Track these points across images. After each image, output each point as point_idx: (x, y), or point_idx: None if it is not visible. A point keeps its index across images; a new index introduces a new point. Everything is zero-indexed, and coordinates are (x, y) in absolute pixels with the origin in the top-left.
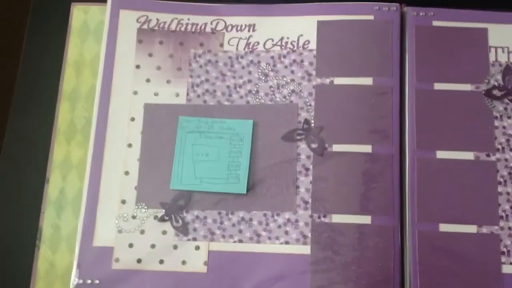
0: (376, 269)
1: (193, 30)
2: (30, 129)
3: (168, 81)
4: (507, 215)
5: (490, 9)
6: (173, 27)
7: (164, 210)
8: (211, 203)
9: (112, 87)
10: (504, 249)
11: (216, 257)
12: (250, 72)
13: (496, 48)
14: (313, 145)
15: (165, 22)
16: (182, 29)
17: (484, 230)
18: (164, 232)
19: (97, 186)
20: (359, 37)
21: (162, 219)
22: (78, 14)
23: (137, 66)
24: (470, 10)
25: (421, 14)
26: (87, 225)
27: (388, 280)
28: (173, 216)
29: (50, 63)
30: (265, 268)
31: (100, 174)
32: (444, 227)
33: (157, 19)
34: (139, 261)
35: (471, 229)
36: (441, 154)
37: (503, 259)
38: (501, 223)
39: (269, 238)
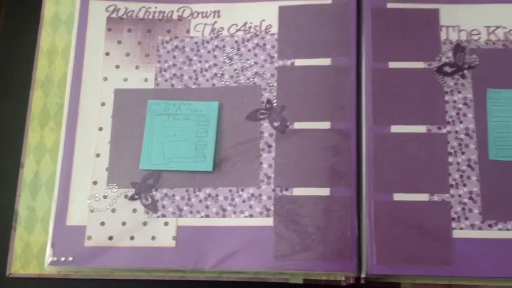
0: (335, 238)
1: (160, 17)
2: (5, 115)
3: (137, 67)
4: (457, 184)
5: None
6: (141, 15)
7: (134, 190)
8: (179, 181)
9: (83, 74)
10: (455, 215)
11: (184, 232)
12: (215, 56)
13: (447, 27)
14: (275, 123)
15: (133, 11)
16: (150, 17)
17: (436, 198)
18: (134, 210)
19: (70, 169)
20: (318, 20)
21: (132, 198)
22: (50, 5)
23: (107, 53)
24: None
25: None
26: (61, 205)
27: (346, 248)
28: (143, 194)
29: (23, 52)
30: (230, 240)
31: (72, 157)
32: (398, 196)
33: (126, 8)
34: (110, 238)
35: (424, 197)
36: (395, 129)
37: (453, 224)
38: (452, 191)
39: (234, 212)
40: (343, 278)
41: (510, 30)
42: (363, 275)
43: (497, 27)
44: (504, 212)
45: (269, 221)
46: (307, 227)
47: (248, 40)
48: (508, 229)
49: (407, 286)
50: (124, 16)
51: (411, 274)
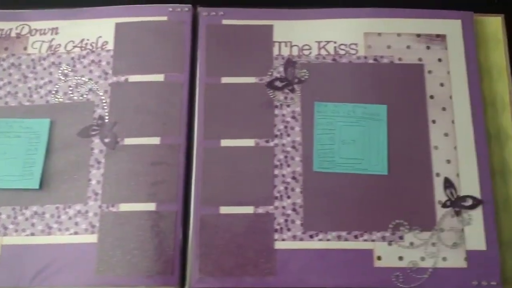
0: (158, 253)
1: None
2: None
3: None
4: (281, 196)
5: (276, 7)
6: None
7: None
8: (6, 199)
9: None
10: (278, 227)
11: (9, 251)
12: (51, 73)
13: (280, 43)
14: (106, 140)
15: None
16: None
17: (260, 210)
18: None
19: None
20: (154, 37)
21: None
22: None
23: None
24: (258, 8)
25: (212, 14)
26: None
27: (168, 262)
28: None
29: None
30: (54, 258)
31: None
32: (224, 210)
33: None
34: None
35: (249, 210)
36: (225, 143)
37: (276, 236)
38: (276, 203)
39: (60, 229)
40: None
41: (340, 45)
42: None
43: (328, 42)
44: (325, 223)
45: (93, 238)
46: (130, 242)
47: (84, 57)
48: (328, 240)
49: None
50: None
51: (234, 287)
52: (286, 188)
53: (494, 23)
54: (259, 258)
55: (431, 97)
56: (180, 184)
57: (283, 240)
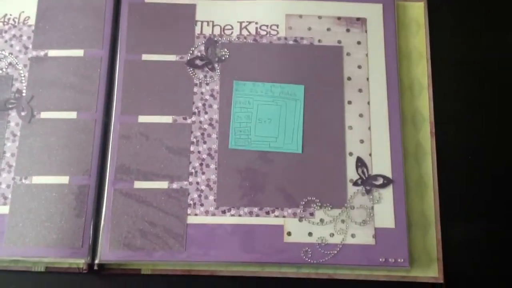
0: (69, 225)
1: None
2: None
3: None
4: (196, 172)
5: None
6: None
7: None
8: None
9: None
10: (191, 202)
11: None
12: None
13: (202, 22)
14: (23, 113)
15: None
16: None
17: (175, 185)
18: None
19: None
20: (75, 13)
21: None
22: None
23: None
24: None
25: None
26: None
27: (78, 235)
28: None
29: None
30: None
31: None
32: (138, 184)
33: None
34: None
35: (163, 185)
36: (142, 119)
37: (189, 211)
38: (191, 179)
39: None
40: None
41: (261, 26)
42: (96, 262)
43: (249, 23)
44: (237, 199)
45: (5, 209)
46: (41, 215)
47: (6, 32)
48: (240, 215)
49: (148, 272)
50: None
51: (143, 260)
52: (201, 164)
53: (416, 8)
54: (170, 233)
55: (349, 78)
56: (94, 159)
57: (196, 215)
